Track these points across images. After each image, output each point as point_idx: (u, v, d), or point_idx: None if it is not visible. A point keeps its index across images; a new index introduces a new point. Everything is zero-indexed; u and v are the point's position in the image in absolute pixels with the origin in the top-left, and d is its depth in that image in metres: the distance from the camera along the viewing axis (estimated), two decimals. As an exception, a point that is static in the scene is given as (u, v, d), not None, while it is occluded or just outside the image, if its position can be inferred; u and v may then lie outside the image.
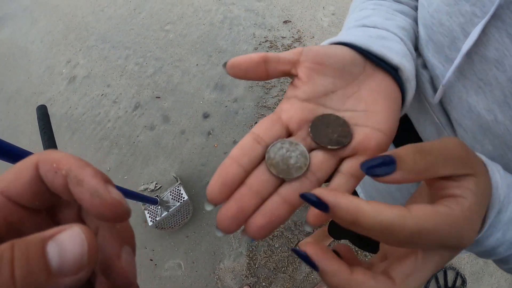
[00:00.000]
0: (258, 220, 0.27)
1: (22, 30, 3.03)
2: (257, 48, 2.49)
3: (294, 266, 1.78)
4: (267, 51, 2.35)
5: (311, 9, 2.70)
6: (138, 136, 2.21)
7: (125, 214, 0.21)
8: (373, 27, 0.42)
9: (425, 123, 0.51)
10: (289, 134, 0.32)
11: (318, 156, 0.30)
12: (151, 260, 1.84)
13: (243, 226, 0.27)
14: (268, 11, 2.71)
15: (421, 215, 0.23)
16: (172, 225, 1.82)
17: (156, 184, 2.02)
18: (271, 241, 1.83)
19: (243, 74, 0.32)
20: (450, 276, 1.77)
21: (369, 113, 0.32)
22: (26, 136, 2.38)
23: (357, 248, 1.76)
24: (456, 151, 0.26)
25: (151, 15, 2.82)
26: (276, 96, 2.24)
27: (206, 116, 2.23)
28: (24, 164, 0.22)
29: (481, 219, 0.26)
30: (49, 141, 1.11)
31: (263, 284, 1.75)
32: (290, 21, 2.63)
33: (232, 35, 2.60)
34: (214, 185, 0.27)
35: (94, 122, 2.34)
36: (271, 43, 2.51)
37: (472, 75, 0.37)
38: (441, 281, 1.75)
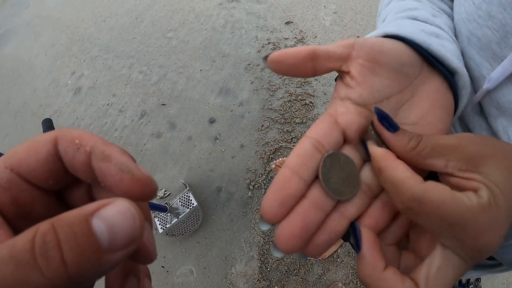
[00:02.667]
0: (321, 238, 0.25)
1: (26, 44, 3.07)
2: (260, 50, 2.49)
3: (306, 268, 1.77)
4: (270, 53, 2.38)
5: (312, 9, 2.69)
6: (145, 144, 2.22)
7: (154, 192, 0.20)
8: (424, 22, 0.38)
9: None
10: (345, 140, 0.29)
11: (370, 171, 0.28)
12: (163, 267, 1.84)
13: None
14: (270, 13, 2.71)
15: (431, 187, 0.23)
16: (182, 232, 1.82)
17: (165, 191, 2.02)
18: (283, 243, 1.82)
19: (286, 70, 0.28)
20: (466, 272, 1.74)
21: (419, 127, 0.30)
22: (35, 148, 2.40)
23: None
24: (464, 146, 0.25)
25: (152, 23, 2.84)
26: (281, 98, 2.24)
27: (212, 121, 2.23)
28: (40, 140, 0.20)
29: (509, 224, 0.24)
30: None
31: (276, 287, 1.74)
32: (292, 22, 2.62)
33: (234, 39, 2.60)
34: (272, 201, 0.24)
35: (101, 132, 2.36)
36: (274, 45, 2.51)
37: None
38: (457, 278, 1.72)
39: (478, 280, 1.70)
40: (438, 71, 0.32)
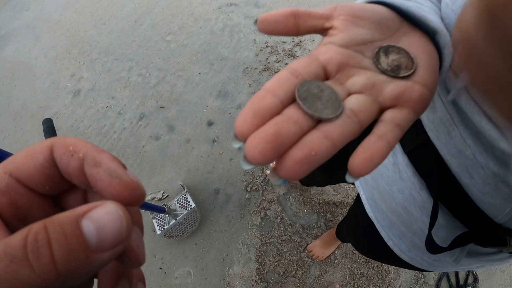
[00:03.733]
0: (296, 153, 0.22)
1: (26, 46, 3.08)
2: (258, 54, 2.51)
3: (304, 269, 1.78)
4: (268, 57, 2.35)
5: (310, 14, 2.71)
6: (144, 147, 2.23)
7: (141, 196, 0.21)
8: None
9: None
10: (327, 77, 0.29)
11: (358, 98, 0.27)
12: (161, 268, 1.84)
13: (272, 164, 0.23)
14: (268, 17, 2.73)
15: None
16: (180, 233, 1.83)
17: (163, 193, 2.03)
18: (280, 245, 1.83)
19: (272, 28, 0.30)
20: (462, 273, 1.75)
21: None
22: (34, 150, 2.40)
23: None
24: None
25: (152, 26, 2.85)
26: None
27: (210, 123, 2.24)
28: (37, 147, 0.22)
29: None
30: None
31: (274, 289, 1.75)
32: (290, 26, 2.64)
33: (233, 43, 2.62)
34: (245, 115, 0.24)
35: (100, 134, 2.37)
36: (271, 48, 2.53)
37: None
38: (453, 280, 1.74)
39: (475, 281, 1.71)
40: (419, 28, 0.33)
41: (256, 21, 0.30)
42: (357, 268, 1.79)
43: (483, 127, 0.40)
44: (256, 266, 1.80)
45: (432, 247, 0.52)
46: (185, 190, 1.89)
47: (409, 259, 0.72)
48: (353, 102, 0.26)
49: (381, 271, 1.77)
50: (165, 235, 1.79)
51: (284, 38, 2.58)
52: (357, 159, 0.23)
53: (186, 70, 2.53)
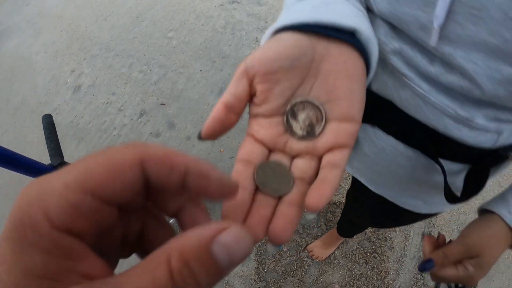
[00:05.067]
0: (277, 223, 0.28)
1: (27, 41, 3.06)
2: (260, 52, 2.50)
3: (303, 269, 1.77)
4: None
5: (312, 12, 2.70)
6: (144, 143, 2.22)
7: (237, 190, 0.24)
8: None
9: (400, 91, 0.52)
10: (270, 149, 0.33)
11: (300, 165, 0.32)
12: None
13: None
14: (270, 14, 2.72)
15: None
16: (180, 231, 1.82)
17: (163, 190, 2.02)
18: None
19: (221, 132, 0.31)
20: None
21: (332, 104, 0.32)
22: (33, 146, 2.40)
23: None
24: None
25: (153, 23, 2.84)
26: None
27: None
28: (121, 160, 0.19)
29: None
30: (55, 150, 1.11)
31: (273, 288, 1.74)
32: (292, 25, 2.63)
33: (235, 40, 2.61)
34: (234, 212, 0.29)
35: (100, 130, 2.36)
36: (273, 47, 2.52)
37: (462, 8, 0.36)
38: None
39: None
40: (334, 39, 0.33)
41: (200, 137, 0.31)
42: (356, 269, 1.78)
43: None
44: (255, 265, 1.79)
45: (452, 199, 0.57)
46: (185, 188, 1.88)
47: (429, 209, 0.76)
48: (298, 172, 0.31)
49: (381, 271, 1.77)
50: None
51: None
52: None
53: (187, 67, 2.52)
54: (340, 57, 0.33)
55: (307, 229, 1.86)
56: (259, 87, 0.32)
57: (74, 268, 0.17)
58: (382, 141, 0.61)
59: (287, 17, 0.35)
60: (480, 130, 0.48)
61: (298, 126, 0.32)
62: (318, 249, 1.77)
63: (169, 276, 0.16)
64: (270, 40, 0.35)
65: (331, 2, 0.38)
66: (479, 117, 0.47)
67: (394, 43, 0.47)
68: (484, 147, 0.51)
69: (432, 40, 0.41)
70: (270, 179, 0.31)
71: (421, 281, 1.74)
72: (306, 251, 1.81)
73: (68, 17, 3.12)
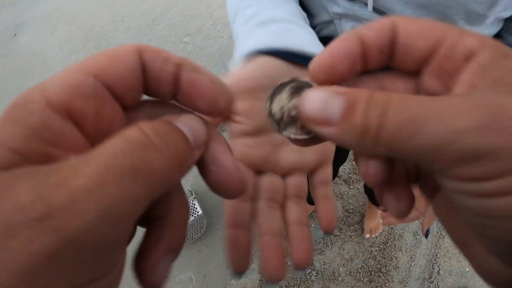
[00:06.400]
0: (300, 248, 0.30)
1: (41, 37, 3.08)
2: (274, 62, 2.51)
3: (306, 285, 1.76)
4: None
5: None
6: (153, 147, 2.23)
7: (232, 106, 0.22)
8: (271, 22, 0.42)
9: None
10: (263, 170, 0.35)
11: (294, 182, 0.34)
12: (163, 273, 1.83)
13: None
14: (286, 26, 2.73)
15: None
16: (185, 239, 1.82)
17: (170, 196, 2.02)
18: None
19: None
20: None
21: None
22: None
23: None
24: None
25: (170, 26, 2.85)
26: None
27: (223, 129, 2.23)
28: (122, 50, 0.19)
29: None
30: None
31: (275, 302, 1.73)
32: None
33: (249, 49, 2.61)
34: (234, 261, 0.31)
35: (110, 131, 2.37)
36: (288, 58, 2.52)
37: None
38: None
39: None
40: (302, 65, 0.36)
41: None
42: (360, 287, 1.77)
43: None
44: (259, 277, 1.79)
45: None
46: (193, 195, 1.88)
47: None
48: (294, 190, 0.34)
49: (385, 292, 1.76)
50: (170, 240, 1.78)
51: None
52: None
53: (200, 73, 2.52)
54: None
55: (312, 243, 1.85)
56: (242, 105, 0.33)
57: (55, 154, 0.16)
58: None
59: (255, 43, 0.38)
60: None
61: (290, 131, 0.24)
62: (369, 222, 1.81)
63: (140, 131, 0.16)
64: (247, 63, 0.38)
65: (291, 29, 0.41)
66: None
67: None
68: None
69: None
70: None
71: (425, 304, 1.73)
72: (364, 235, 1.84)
73: (84, 15, 3.14)
